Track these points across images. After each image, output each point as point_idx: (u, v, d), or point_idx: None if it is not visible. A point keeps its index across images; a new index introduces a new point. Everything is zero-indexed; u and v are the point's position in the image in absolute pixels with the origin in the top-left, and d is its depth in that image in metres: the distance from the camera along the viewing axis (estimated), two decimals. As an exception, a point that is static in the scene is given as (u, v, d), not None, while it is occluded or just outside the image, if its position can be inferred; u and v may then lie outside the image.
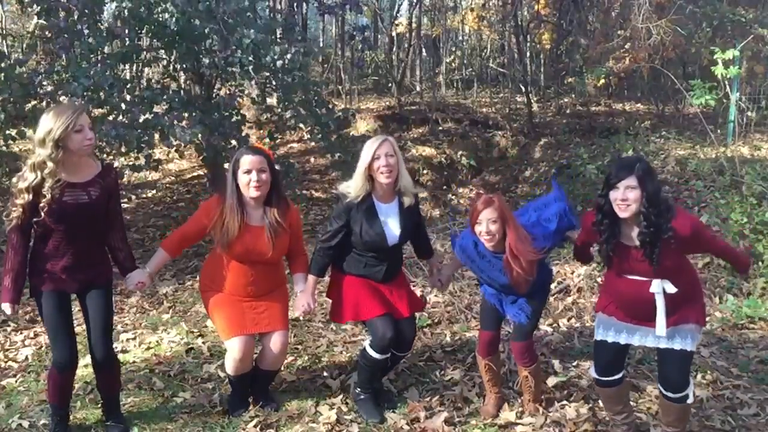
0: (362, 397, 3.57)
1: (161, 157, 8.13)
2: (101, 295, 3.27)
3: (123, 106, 6.13)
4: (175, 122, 6.01)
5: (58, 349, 3.21)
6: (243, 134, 6.80)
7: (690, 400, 3.02)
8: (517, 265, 3.12)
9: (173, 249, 3.54)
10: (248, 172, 3.33)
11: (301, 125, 7.49)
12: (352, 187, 3.44)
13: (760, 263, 5.19)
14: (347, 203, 3.44)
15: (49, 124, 2.97)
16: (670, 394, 2.99)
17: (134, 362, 4.24)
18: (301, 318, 4.55)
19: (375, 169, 3.37)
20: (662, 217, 2.77)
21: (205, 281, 3.61)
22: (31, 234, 3.12)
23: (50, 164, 2.98)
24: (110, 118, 6.20)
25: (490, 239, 3.16)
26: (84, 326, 3.32)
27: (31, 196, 3.00)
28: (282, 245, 3.48)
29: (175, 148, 6.53)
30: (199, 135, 6.18)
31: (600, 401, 3.43)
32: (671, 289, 2.86)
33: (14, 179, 3.10)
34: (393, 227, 3.47)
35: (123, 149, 6.26)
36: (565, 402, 3.59)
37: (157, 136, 6.19)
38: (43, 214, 3.01)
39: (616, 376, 3.14)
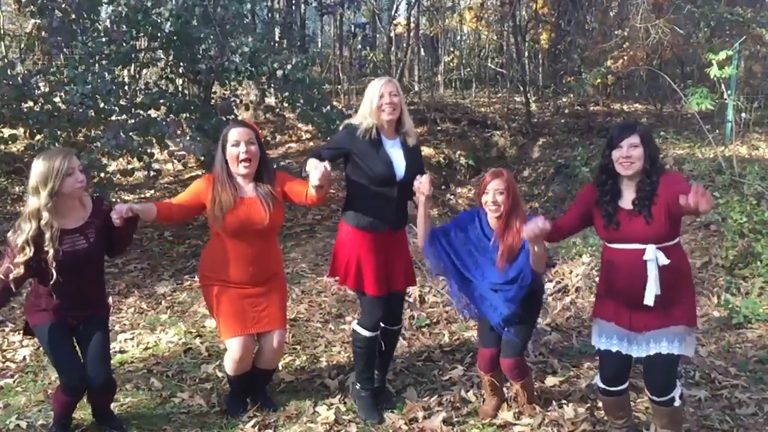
0: (362, 394, 3.55)
1: (158, 157, 8.12)
2: (98, 325, 3.28)
3: (121, 114, 6.15)
4: (179, 132, 6.02)
5: (65, 377, 3.20)
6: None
7: (677, 404, 3.00)
8: (510, 236, 3.18)
9: (162, 204, 3.43)
10: (236, 144, 3.33)
11: (300, 125, 7.51)
12: (358, 120, 3.45)
13: (758, 263, 5.19)
14: (351, 131, 3.43)
15: (43, 172, 2.99)
16: (654, 398, 3.00)
17: (132, 362, 4.24)
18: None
19: (378, 107, 3.37)
20: (657, 176, 2.88)
21: (204, 272, 3.55)
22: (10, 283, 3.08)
23: (45, 214, 2.99)
24: (111, 118, 6.20)
25: (495, 210, 3.18)
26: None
27: (33, 251, 3.00)
28: (277, 215, 3.44)
29: (183, 160, 6.53)
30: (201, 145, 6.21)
31: (599, 403, 3.43)
32: (664, 260, 2.85)
33: (9, 234, 3.09)
34: (399, 161, 3.44)
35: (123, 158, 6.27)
36: (563, 402, 3.59)
37: (156, 147, 6.20)
38: (53, 270, 3.01)
39: (621, 387, 3.13)
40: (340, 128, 3.70)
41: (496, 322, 3.25)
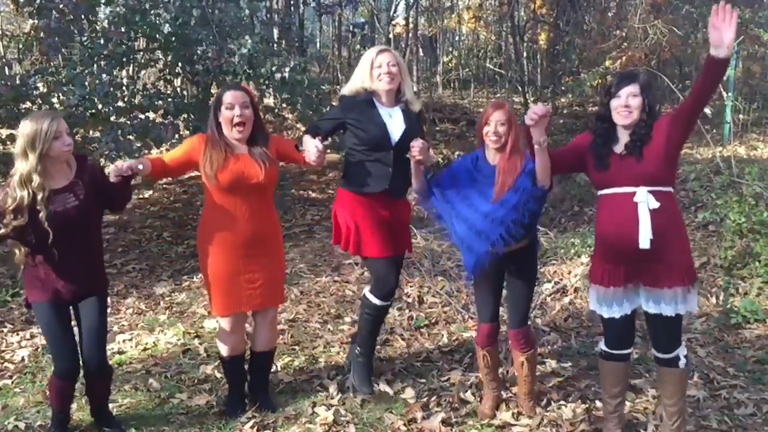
0: (360, 360, 3.55)
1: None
2: (96, 305, 3.25)
3: (119, 116, 6.15)
4: (177, 136, 6.03)
5: (59, 359, 3.20)
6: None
7: (683, 363, 3.00)
8: (509, 165, 3.18)
9: (156, 164, 3.34)
10: (231, 107, 3.29)
11: (300, 125, 7.51)
12: (348, 88, 3.45)
13: (757, 263, 5.20)
14: (344, 101, 3.44)
15: (30, 134, 2.97)
16: (660, 355, 3.01)
17: (131, 363, 4.24)
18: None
19: (375, 77, 3.36)
20: (653, 121, 2.91)
21: (201, 236, 3.47)
22: None
23: (36, 177, 2.98)
24: (111, 118, 6.20)
25: (496, 140, 3.19)
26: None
27: (26, 218, 2.98)
28: (272, 171, 3.41)
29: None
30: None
31: (598, 404, 3.44)
32: (654, 203, 2.85)
33: None
34: (396, 125, 3.42)
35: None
36: (562, 402, 3.58)
37: (155, 149, 6.21)
38: (49, 229, 2.99)
39: (626, 351, 3.14)
40: (340, 96, 3.69)
41: (495, 238, 3.15)
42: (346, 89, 3.51)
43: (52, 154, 3.02)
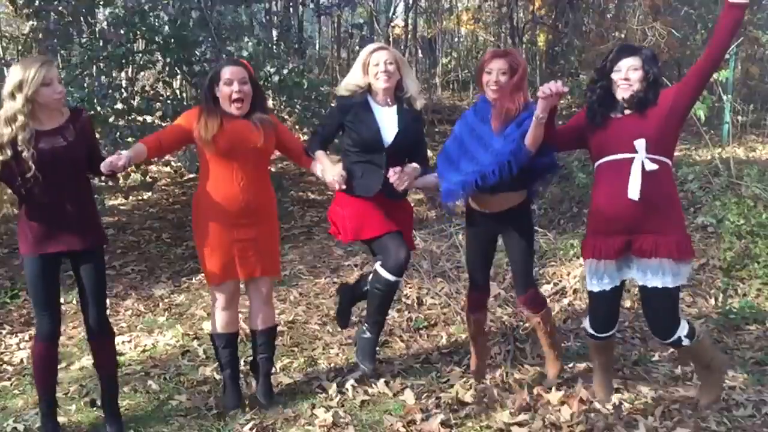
0: (366, 335, 3.51)
1: (156, 160, 8.13)
2: (92, 262, 3.23)
3: (117, 118, 6.15)
4: None
5: (38, 317, 3.20)
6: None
7: (687, 343, 2.98)
8: (509, 101, 3.18)
9: (150, 141, 3.33)
10: (229, 83, 3.27)
11: (297, 127, 7.51)
12: (344, 86, 3.44)
13: (756, 264, 5.20)
14: (341, 103, 3.44)
15: (18, 77, 2.95)
16: (660, 340, 3.03)
17: (130, 365, 4.23)
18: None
19: (373, 75, 3.35)
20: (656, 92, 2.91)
21: (196, 205, 3.47)
22: None
23: (21, 117, 2.96)
24: (109, 120, 6.21)
25: (497, 89, 3.20)
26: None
27: (11, 153, 2.96)
28: (270, 139, 3.40)
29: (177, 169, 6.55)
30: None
31: (596, 405, 3.45)
32: (651, 165, 2.83)
33: None
34: (389, 126, 3.39)
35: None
36: (559, 404, 3.58)
37: None
38: (32, 164, 2.96)
39: (610, 332, 3.20)
40: (335, 100, 3.71)
41: (491, 169, 3.14)
42: (343, 88, 3.49)
43: (42, 100, 3.00)
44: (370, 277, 3.48)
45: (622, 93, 2.90)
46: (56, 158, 3.05)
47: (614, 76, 2.91)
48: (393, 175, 3.29)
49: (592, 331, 3.22)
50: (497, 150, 3.17)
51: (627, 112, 2.94)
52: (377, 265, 3.39)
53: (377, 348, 3.84)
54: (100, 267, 3.29)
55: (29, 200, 3.10)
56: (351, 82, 3.45)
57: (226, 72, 3.29)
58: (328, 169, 3.39)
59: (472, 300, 3.56)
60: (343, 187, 3.33)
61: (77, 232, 3.17)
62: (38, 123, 3.05)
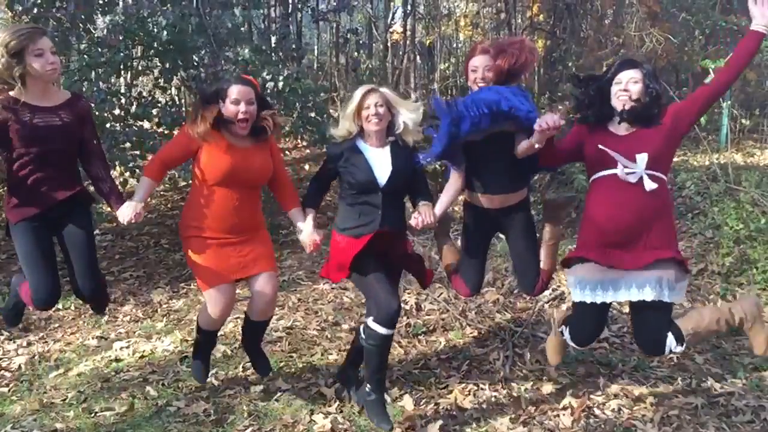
0: (372, 397, 3.33)
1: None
2: (79, 225, 3.19)
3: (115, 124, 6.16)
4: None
5: (34, 287, 3.12)
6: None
7: (678, 350, 2.95)
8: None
9: (155, 173, 3.34)
10: (236, 102, 3.25)
11: (293, 133, 7.51)
12: (338, 130, 3.45)
13: (754, 270, 5.20)
14: (331, 154, 3.45)
15: (3, 35, 2.89)
16: (655, 357, 3.03)
17: (128, 371, 4.22)
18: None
19: (364, 117, 3.36)
20: (654, 110, 2.90)
21: (185, 221, 3.42)
22: None
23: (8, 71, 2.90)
24: (107, 125, 6.21)
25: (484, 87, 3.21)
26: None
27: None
28: (270, 167, 3.47)
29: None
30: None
31: (595, 410, 3.44)
32: (650, 184, 2.82)
33: None
34: (383, 166, 3.38)
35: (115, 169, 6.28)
36: (559, 409, 3.58)
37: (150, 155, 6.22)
38: (12, 135, 2.94)
39: (592, 344, 3.24)
40: (326, 149, 3.73)
41: (479, 112, 3.14)
42: (336, 133, 3.49)
43: (34, 72, 2.95)
44: (362, 331, 3.34)
45: (620, 104, 2.89)
46: (50, 135, 3.01)
47: (614, 88, 2.91)
48: (414, 221, 3.32)
49: (571, 343, 3.19)
50: (477, 97, 3.16)
51: (627, 126, 2.93)
52: (369, 320, 3.27)
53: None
54: (88, 231, 3.21)
55: (18, 172, 3.04)
56: (343, 127, 3.45)
57: (234, 91, 3.25)
58: (306, 231, 3.46)
59: (461, 289, 3.66)
60: (314, 254, 3.42)
61: (62, 194, 3.12)
62: (34, 98, 3.01)
